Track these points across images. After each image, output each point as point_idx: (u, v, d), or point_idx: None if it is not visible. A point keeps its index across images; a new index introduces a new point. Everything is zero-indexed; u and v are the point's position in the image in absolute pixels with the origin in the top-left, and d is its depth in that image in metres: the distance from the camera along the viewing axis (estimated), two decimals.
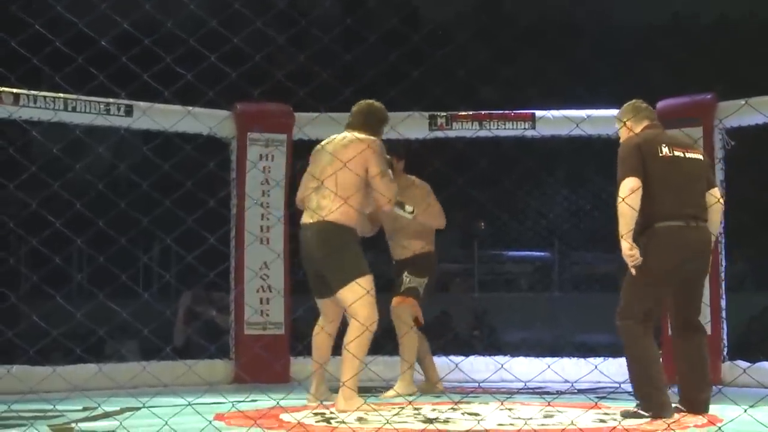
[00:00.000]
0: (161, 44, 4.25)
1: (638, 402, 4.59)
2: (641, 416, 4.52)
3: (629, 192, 4.56)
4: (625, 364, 4.67)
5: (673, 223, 4.63)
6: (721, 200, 4.83)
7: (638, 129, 4.83)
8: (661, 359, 4.72)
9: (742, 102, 6.61)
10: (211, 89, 4.46)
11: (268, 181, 7.24)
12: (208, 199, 4.60)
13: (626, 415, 4.55)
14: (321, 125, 6.88)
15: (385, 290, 5.88)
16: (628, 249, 4.57)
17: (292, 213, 7.29)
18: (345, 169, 5.07)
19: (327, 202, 5.16)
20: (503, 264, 15.24)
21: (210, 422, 4.43)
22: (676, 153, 4.75)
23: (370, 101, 5.47)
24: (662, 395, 4.57)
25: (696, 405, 4.69)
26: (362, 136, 5.28)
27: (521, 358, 7.44)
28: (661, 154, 4.70)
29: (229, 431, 4.29)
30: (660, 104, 7.14)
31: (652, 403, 4.54)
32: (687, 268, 4.69)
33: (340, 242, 5.14)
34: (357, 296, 5.06)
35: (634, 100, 4.99)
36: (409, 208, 5.77)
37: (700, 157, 4.83)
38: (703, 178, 4.80)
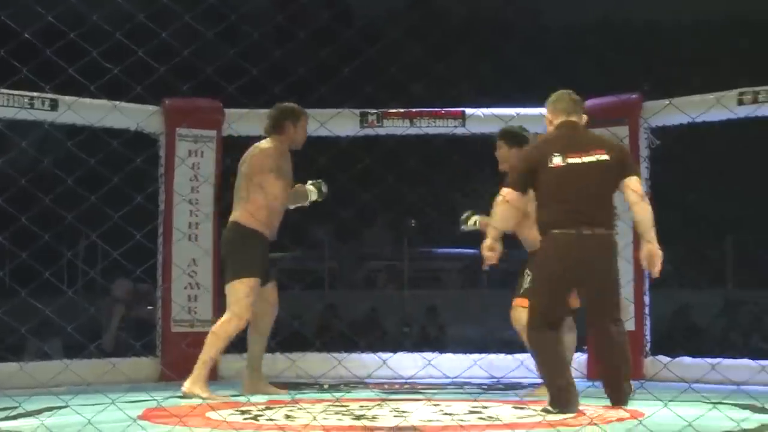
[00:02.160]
0: (88, 38, 4.20)
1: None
2: (549, 411, 4.58)
3: (497, 204, 4.77)
4: None
5: (564, 231, 4.64)
6: (639, 191, 4.74)
7: (556, 122, 4.86)
8: (568, 355, 4.80)
9: (666, 102, 6.75)
10: (139, 84, 4.43)
11: (197, 178, 7.19)
12: (135, 195, 4.56)
13: (546, 410, 4.63)
14: (251, 121, 6.87)
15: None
16: (486, 245, 4.70)
17: (222, 210, 7.29)
18: (243, 174, 5.67)
19: (236, 204, 5.73)
20: (433, 261, 15.35)
21: (134, 420, 4.39)
22: (570, 160, 4.68)
23: (277, 104, 5.81)
24: (563, 392, 4.61)
25: (614, 399, 4.76)
26: (261, 142, 5.79)
27: (449, 354, 7.51)
28: (551, 165, 4.68)
29: (154, 429, 4.26)
30: (587, 103, 7.24)
31: (555, 400, 4.62)
32: (577, 275, 4.67)
33: (239, 242, 5.67)
34: (234, 295, 5.59)
35: (560, 91, 4.96)
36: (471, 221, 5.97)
37: (603, 157, 4.70)
38: (608, 179, 4.69)
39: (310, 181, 5.89)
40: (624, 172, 4.72)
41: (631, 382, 4.85)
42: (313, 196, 5.89)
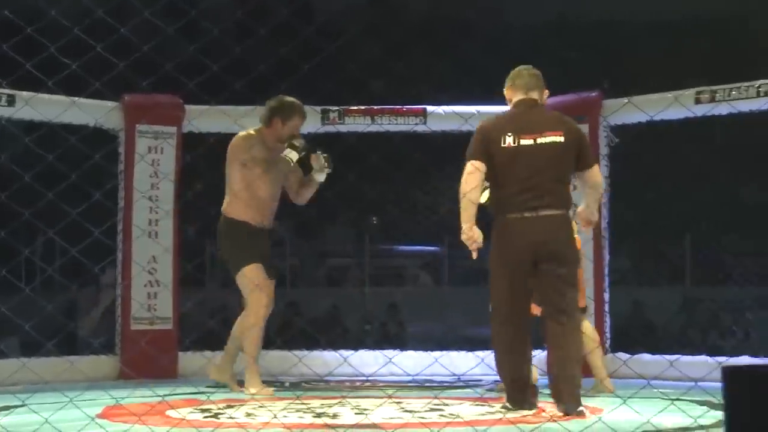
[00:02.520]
0: (46, 33, 4.15)
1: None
2: (508, 408, 4.57)
3: (465, 176, 4.54)
4: None
5: (513, 215, 4.52)
6: (597, 177, 4.66)
7: (514, 100, 4.72)
8: (526, 352, 4.58)
9: (625, 100, 6.81)
10: (98, 80, 4.39)
11: (156, 174, 7.14)
12: (93, 191, 4.52)
13: (505, 407, 4.63)
14: (211, 118, 6.84)
15: None
16: (464, 232, 4.54)
17: (181, 207, 7.24)
18: (228, 166, 5.75)
19: (225, 197, 5.80)
20: (394, 258, 15.35)
21: (93, 419, 4.36)
22: (523, 141, 4.54)
23: (279, 96, 5.80)
24: (517, 389, 4.57)
25: (560, 396, 4.52)
26: (241, 132, 5.83)
27: (410, 352, 7.52)
28: (503, 145, 4.54)
29: (113, 428, 4.23)
30: (548, 102, 7.29)
31: (510, 397, 4.60)
32: (530, 258, 4.51)
33: (226, 234, 5.77)
34: (242, 288, 5.66)
35: (520, 66, 4.80)
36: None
37: (557, 139, 4.55)
38: (562, 161, 4.56)
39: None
40: (581, 156, 4.61)
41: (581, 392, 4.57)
42: (293, 156, 5.72)
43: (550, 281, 4.54)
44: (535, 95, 4.73)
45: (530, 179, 4.51)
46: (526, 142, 4.55)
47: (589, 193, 4.71)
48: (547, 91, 4.81)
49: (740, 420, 2.01)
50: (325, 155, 5.88)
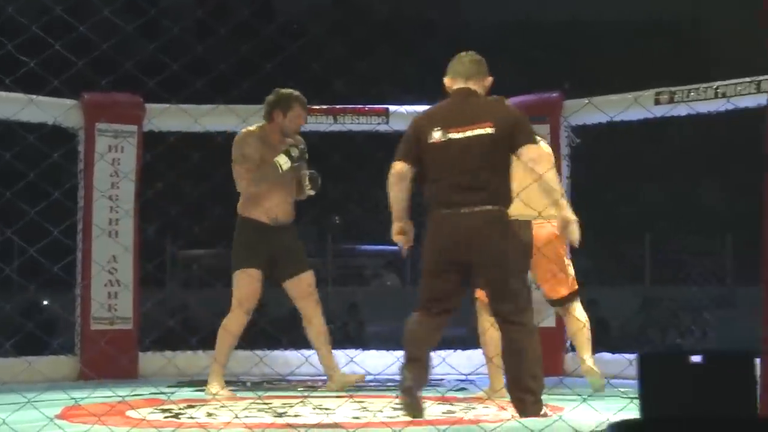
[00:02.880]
0: (3, 30, 4.11)
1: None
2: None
3: (390, 177, 4.39)
4: (469, 355, 4.74)
5: (442, 211, 4.31)
6: (535, 158, 4.30)
7: (453, 89, 4.46)
8: (423, 356, 4.32)
9: (586, 101, 6.86)
10: (57, 78, 4.35)
11: (117, 174, 7.09)
12: (52, 191, 4.48)
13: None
14: (172, 117, 6.80)
15: None
16: (394, 232, 4.43)
17: (142, 206, 7.20)
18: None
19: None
20: (356, 258, 15.36)
21: (51, 420, 4.32)
22: (451, 135, 4.30)
23: (275, 89, 5.78)
24: (404, 392, 4.29)
25: (515, 407, 4.33)
26: (245, 128, 5.81)
27: (372, 351, 7.52)
28: (431, 141, 4.32)
29: (72, 429, 4.20)
30: (511, 101, 7.33)
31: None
32: (458, 257, 4.29)
33: (236, 233, 5.81)
34: (233, 287, 5.71)
35: (461, 53, 4.56)
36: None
37: (487, 131, 4.27)
38: (493, 154, 4.27)
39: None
40: (517, 140, 4.29)
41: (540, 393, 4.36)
42: (283, 163, 5.63)
43: (486, 284, 4.40)
44: (473, 84, 4.45)
45: (459, 174, 4.27)
46: (456, 135, 4.31)
47: (534, 178, 4.32)
48: (490, 78, 4.54)
49: (653, 400, 2.07)
50: (313, 176, 5.80)
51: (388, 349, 7.59)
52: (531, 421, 4.06)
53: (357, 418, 4.54)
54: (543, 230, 5.29)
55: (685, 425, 1.98)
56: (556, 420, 4.15)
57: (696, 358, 2.09)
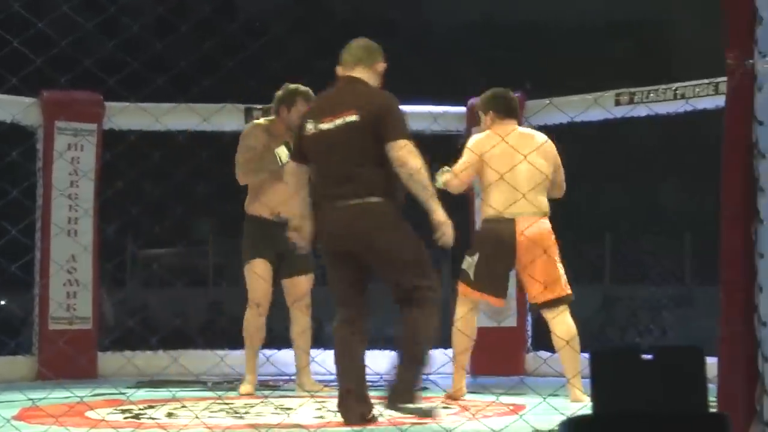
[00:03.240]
0: None
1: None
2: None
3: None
4: (430, 354, 4.66)
5: (323, 205, 4.24)
6: (401, 158, 4.07)
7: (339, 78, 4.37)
8: (354, 353, 4.30)
9: (547, 101, 6.89)
10: (15, 75, 4.30)
11: (76, 172, 7.03)
12: (10, 189, 4.44)
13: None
14: (132, 115, 6.75)
15: None
16: (292, 225, 4.45)
17: (101, 205, 7.14)
18: None
19: None
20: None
21: (8, 421, 4.27)
22: (322, 126, 4.20)
23: (284, 84, 5.76)
24: (343, 398, 4.26)
25: (397, 390, 4.20)
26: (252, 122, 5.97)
27: (333, 351, 7.49)
28: (305, 133, 4.26)
29: (29, 430, 4.15)
30: (471, 101, 7.35)
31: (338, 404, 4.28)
32: (338, 250, 4.22)
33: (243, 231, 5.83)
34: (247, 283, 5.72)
35: (355, 40, 4.40)
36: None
37: (351, 118, 4.13)
38: (360, 143, 4.12)
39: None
40: (384, 134, 4.13)
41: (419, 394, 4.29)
42: (283, 155, 5.54)
43: (382, 274, 4.25)
44: (361, 71, 4.30)
45: (333, 166, 4.17)
46: (326, 126, 4.19)
47: (403, 179, 4.11)
48: (381, 64, 4.36)
49: (605, 397, 2.10)
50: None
51: None
52: (492, 420, 4.07)
53: (320, 417, 4.54)
54: (534, 226, 5.09)
55: (635, 421, 2.00)
56: (517, 419, 4.17)
57: (647, 355, 2.12)
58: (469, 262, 5.23)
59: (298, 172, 4.39)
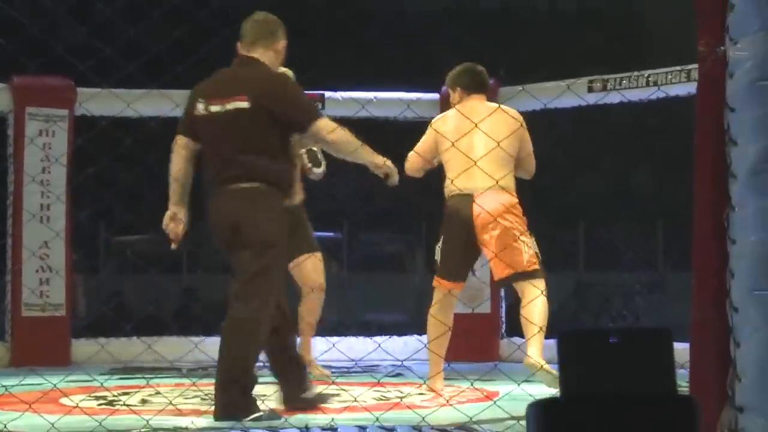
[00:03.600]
0: None
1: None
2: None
3: (173, 148, 4.21)
4: (406, 341, 4.68)
5: (213, 189, 4.11)
6: (321, 134, 4.04)
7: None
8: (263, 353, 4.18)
9: (520, 88, 6.91)
10: None
11: (48, 158, 6.98)
12: None
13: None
14: (103, 101, 6.71)
15: None
16: (168, 213, 4.19)
17: (74, 191, 7.09)
18: None
19: None
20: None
21: None
22: (212, 108, 4.10)
23: None
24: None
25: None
26: None
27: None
28: (196, 113, 4.13)
29: (3, 416, 4.12)
30: (444, 88, 7.35)
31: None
32: (222, 236, 4.13)
33: None
34: None
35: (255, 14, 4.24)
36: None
37: (241, 104, 4.04)
38: (248, 130, 4.03)
39: None
40: (291, 124, 4.08)
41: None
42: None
43: (236, 264, 4.09)
44: (259, 49, 4.18)
45: (222, 150, 4.05)
46: (215, 108, 4.09)
47: (336, 155, 4.20)
48: (282, 42, 4.25)
49: (572, 379, 2.11)
50: (312, 153, 5.70)
51: (323, 335, 7.59)
52: (466, 407, 4.08)
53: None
54: (492, 200, 4.90)
55: (603, 403, 2.01)
56: (491, 405, 4.18)
57: (614, 337, 2.12)
58: (437, 251, 5.17)
59: (186, 150, 4.17)
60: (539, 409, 2.04)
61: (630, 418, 1.98)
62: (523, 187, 5.28)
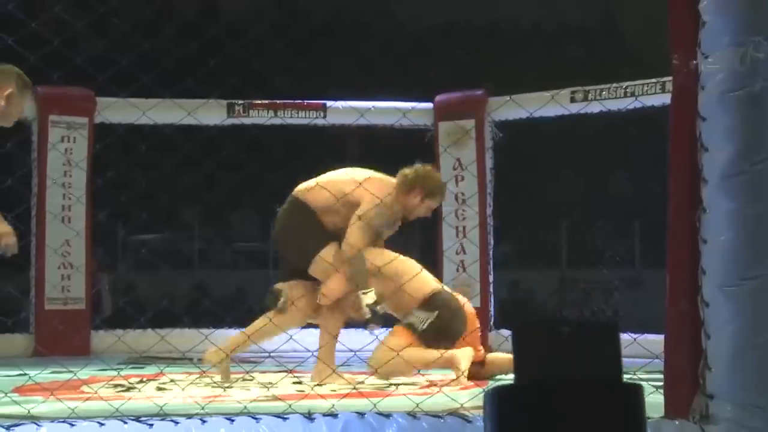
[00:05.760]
0: None
1: None
2: None
3: None
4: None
5: None
6: None
7: None
8: None
9: (508, 98, 6.92)
10: None
11: (69, 163, 7.00)
12: (5, 178, 4.40)
13: None
14: (121, 109, 6.72)
15: None
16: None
17: (93, 193, 7.09)
18: None
19: None
20: None
21: (6, 394, 4.23)
22: None
23: None
24: None
25: None
26: None
27: (311, 329, 7.47)
28: None
29: (26, 402, 4.11)
30: (438, 98, 7.37)
31: None
32: None
33: None
34: None
35: None
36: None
37: None
38: None
39: None
40: None
41: None
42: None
43: None
44: None
45: None
46: None
47: None
48: (7, 89, 3.84)
49: (526, 368, 2.12)
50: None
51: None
52: (457, 394, 4.07)
53: (301, 390, 4.53)
54: None
55: (554, 390, 2.03)
56: (480, 393, 4.18)
57: (565, 328, 2.14)
58: None
59: None
60: (495, 395, 2.07)
61: (579, 403, 2.00)
62: (511, 191, 5.27)
